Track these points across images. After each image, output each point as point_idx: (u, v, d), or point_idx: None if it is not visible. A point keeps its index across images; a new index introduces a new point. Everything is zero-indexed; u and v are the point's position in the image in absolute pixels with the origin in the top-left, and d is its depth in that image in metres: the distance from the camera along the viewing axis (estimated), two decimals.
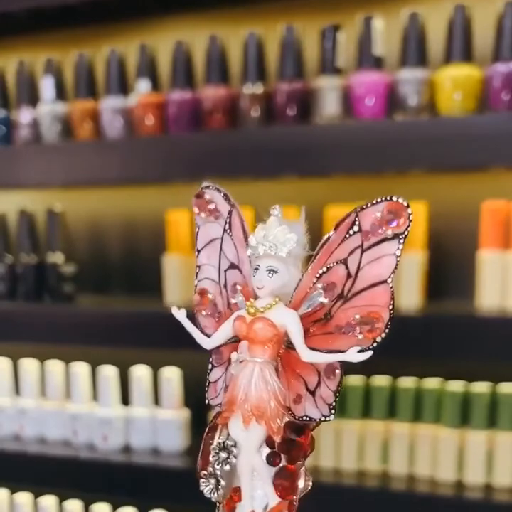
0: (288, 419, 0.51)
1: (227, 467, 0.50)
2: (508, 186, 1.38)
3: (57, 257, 1.61)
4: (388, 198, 0.49)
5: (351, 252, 0.50)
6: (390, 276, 0.49)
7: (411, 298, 1.34)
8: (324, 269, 0.50)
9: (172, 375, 1.51)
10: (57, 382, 1.62)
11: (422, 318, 1.32)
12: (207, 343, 0.54)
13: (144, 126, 1.49)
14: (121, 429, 1.56)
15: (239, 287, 0.54)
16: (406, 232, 0.49)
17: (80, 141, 1.56)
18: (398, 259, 0.49)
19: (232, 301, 0.55)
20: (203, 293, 0.56)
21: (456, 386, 1.31)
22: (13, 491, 1.66)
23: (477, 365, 1.36)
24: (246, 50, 1.41)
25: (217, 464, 0.51)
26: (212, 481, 0.51)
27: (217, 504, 0.53)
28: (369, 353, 0.50)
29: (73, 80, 1.57)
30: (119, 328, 1.52)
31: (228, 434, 0.51)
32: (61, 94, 1.57)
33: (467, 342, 1.29)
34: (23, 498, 1.63)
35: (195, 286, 0.57)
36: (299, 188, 1.54)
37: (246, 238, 0.54)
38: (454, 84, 1.28)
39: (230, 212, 0.55)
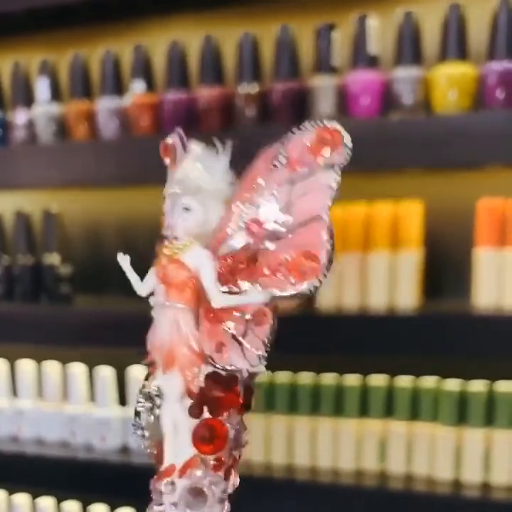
0: (211, 370, 0.46)
1: (151, 418, 0.48)
2: (503, 184, 1.38)
3: (53, 258, 1.61)
4: (319, 124, 0.44)
5: (279, 186, 0.44)
6: (325, 211, 0.44)
7: (407, 296, 1.34)
8: (248, 205, 0.45)
9: None
10: (54, 383, 1.62)
11: (419, 317, 1.32)
12: (141, 290, 0.51)
13: (140, 127, 1.49)
14: (119, 429, 1.56)
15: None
16: (342, 161, 0.44)
17: (75, 142, 1.56)
18: (333, 191, 0.44)
19: None
20: None
21: (454, 385, 1.31)
22: (11, 492, 1.66)
23: (474, 363, 1.36)
24: (241, 49, 1.40)
25: (143, 414, 0.48)
26: (139, 432, 0.49)
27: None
28: (266, 294, 0.44)
29: (68, 80, 1.56)
30: (116, 329, 1.52)
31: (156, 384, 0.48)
32: (56, 94, 1.57)
33: (464, 340, 1.29)
34: (21, 499, 1.63)
35: None
36: None
37: None
38: (449, 83, 1.28)
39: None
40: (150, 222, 1.61)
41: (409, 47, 1.31)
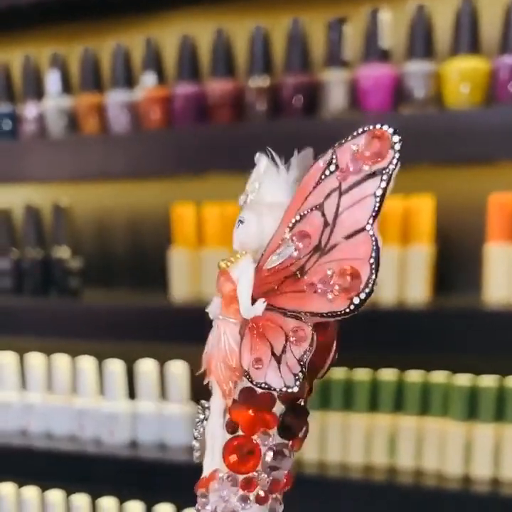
0: (247, 385, 0.44)
1: (202, 429, 0.47)
2: None
3: (63, 252, 1.61)
4: (370, 127, 0.40)
5: (328, 196, 0.41)
6: (368, 222, 0.40)
7: (418, 291, 1.34)
8: (297, 217, 0.42)
9: (178, 369, 1.51)
10: (63, 376, 1.62)
11: (430, 312, 1.32)
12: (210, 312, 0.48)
13: (150, 120, 1.49)
14: (127, 423, 1.56)
15: None
16: (390, 167, 0.40)
17: (85, 136, 1.56)
18: (378, 199, 0.40)
19: None
20: None
21: (464, 379, 1.31)
22: (20, 486, 1.66)
23: (485, 358, 1.35)
24: (252, 43, 1.40)
25: (197, 425, 0.47)
26: (193, 442, 0.48)
27: None
28: (262, 306, 0.42)
29: (79, 73, 1.56)
30: (125, 323, 1.52)
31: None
32: (67, 88, 1.57)
33: (475, 335, 1.28)
34: (30, 492, 1.63)
35: None
36: None
37: None
38: (461, 77, 1.28)
39: None
40: (160, 216, 1.62)
41: (421, 41, 1.30)
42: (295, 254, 0.41)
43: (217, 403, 0.45)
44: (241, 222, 0.44)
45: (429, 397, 1.34)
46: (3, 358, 1.67)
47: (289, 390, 0.42)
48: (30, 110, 1.59)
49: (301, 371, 0.42)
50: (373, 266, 0.40)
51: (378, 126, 0.39)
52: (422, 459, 1.36)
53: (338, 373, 1.39)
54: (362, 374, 1.38)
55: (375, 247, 0.39)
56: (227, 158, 1.41)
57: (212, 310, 0.45)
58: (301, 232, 0.41)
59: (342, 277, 0.40)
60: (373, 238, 0.40)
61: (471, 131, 1.25)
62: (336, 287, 0.40)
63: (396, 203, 1.34)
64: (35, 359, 1.64)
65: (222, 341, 0.44)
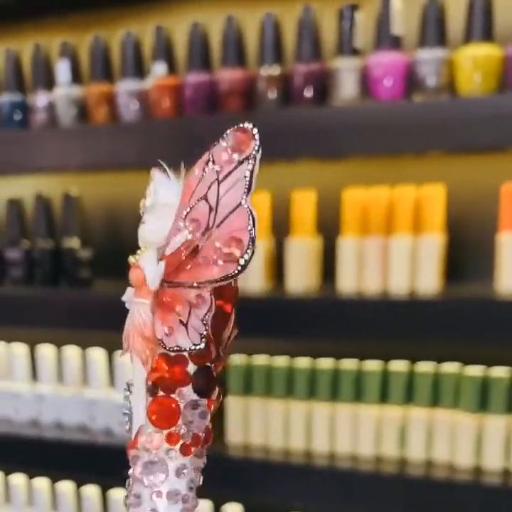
0: (161, 351, 0.51)
1: (128, 404, 0.53)
2: None
3: (73, 242, 1.61)
4: (234, 127, 0.49)
5: (209, 187, 0.50)
6: (243, 198, 0.49)
7: (429, 281, 1.33)
8: (187, 209, 0.50)
9: None
10: (74, 367, 1.62)
11: (441, 302, 1.31)
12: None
13: (160, 109, 1.48)
14: None
15: None
16: (253, 153, 0.48)
17: (95, 125, 1.55)
18: (248, 180, 0.48)
19: None
20: None
21: (475, 370, 1.30)
22: (31, 477, 1.66)
23: (496, 348, 1.34)
24: (263, 31, 1.39)
25: (125, 401, 0.53)
26: (126, 419, 0.53)
27: None
28: (162, 265, 0.50)
29: (89, 63, 1.56)
30: None
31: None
32: (77, 77, 1.57)
33: (486, 326, 1.27)
34: (41, 483, 1.64)
35: None
36: (316, 170, 1.53)
37: None
38: (474, 64, 1.26)
39: None
40: None
41: (433, 28, 1.29)
42: (189, 237, 0.50)
43: (138, 374, 0.51)
44: (143, 223, 0.52)
45: (440, 388, 1.33)
46: (14, 349, 1.67)
47: (197, 347, 0.50)
48: (40, 100, 1.58)
49: (206, 329, 0.50)
50: (252, 231, 0.48)
51: (241, 125, 0.48)
52: (432, 451, 1.35)
53: (349, 364, 1.38)
54: (372, 365, 1.37)
55: (251, 216, 0.48)
56: None
57: (127, 298, 0.53)
58: (191, 219, 0.50)
59: (228, 246, 0.49)
60: (248, 210, 0.48)
61: (483, 119, 1.24)
62: (224, 254, 0.49)
63: (408, 192, 1.33)
64: (46, 350, 1.64)
65: (136, 318, 0.51)
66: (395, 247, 1.33)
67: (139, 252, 0.52)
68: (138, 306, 0.51)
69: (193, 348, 0.50)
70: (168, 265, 0.51)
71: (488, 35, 1.27)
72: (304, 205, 1.41)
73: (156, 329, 0.51)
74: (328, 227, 1.43)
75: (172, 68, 1.48)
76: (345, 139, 1.33)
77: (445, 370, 1.32)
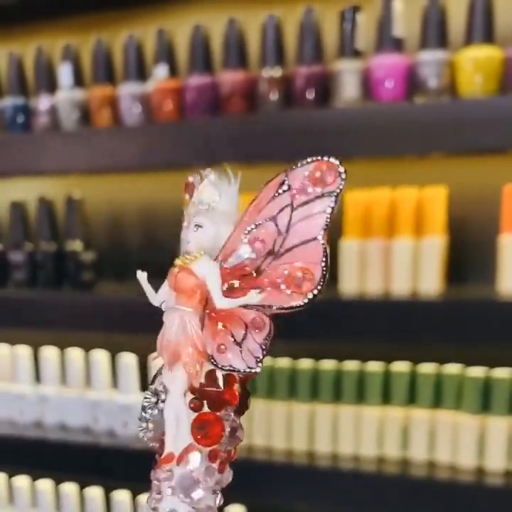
0: (212, 368, 0.51)
1: (155, 411, 0.52)
2: None
3: (76, 245, 1.61)
4: (318, 158, 0.49)
5: (281, 210, 0.50)
6: (320, 234, 0.50)
7: (431, 283, 1.33)
8: (253, 225, 0.50)
9: None
10: (77, 369, 1.62)
11: (443, 303, 1.31)
12: (155, 299, 0.54)
13: (162, 112, 1.49)
14: None
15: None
16: (337, 191, 0.49)
17: (98, 128, 1.56)
18: (328, 216, 0.49)
19: None
20: None
21: (477, 372, 1.30)
22: (34, 478, 1.67)
23: (498, 350, 1.34)
24: (264, 33, 1.39)
25: (149, 409, 0.52)
26: (144, 424, 0.52)
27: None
28: (264, 294, 0.50)
29: (91, 66, 1.56)
30: (138, 316, 1.51)
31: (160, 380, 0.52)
32: (79, 80, 1.57)
33: (488, 327, 1.27)
34: (45, 485, 1.64)
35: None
36: None
37: None
38: (475, 66, 1.27)
39: None
40: (172, 209, 1.61)
41: (434, 29, 1.29)
42: (253, 256, 0.50)
43: (178, 385, 0.51)
44: (200, 226, 0.51)
45: (442, 390, 1.33)
46: (18, 351, 1.67)
47: (253, 371, 0.50)
48: (42, 103, 1.59)
49: (263, 354, 0.50)
50: (324, 268, 0.49)
51: (325, 158, 0.49)
52: (435, 452, 1.35)
53: (351, 365, 1.38)
54: (374, 366, 1.37)
55: (324, 253, 0.49)
56: (239, 149, 1.41)
57: (163, 300, 0.53)
58: (257, 238, 0.50)
59: (298, 277, 0.49)
60: (324, 246, 0.49)
61: (485, 121, 1.24)
62: (293, 285, 0.49)
63: (409, 194, 1.33)
64: (50, 352, 1.64)
65: (188, 328, 0.50)
66: (397, 249, 1.34)
67: (187, 256, 0.52)
68: (185, 315, 0.50)
69: (247, 370, 0.50)
70: (224, 279, 0.51)
71: (488, 36, 1.27)
72: None
73: (206, 343, 0.50)
74: (330, 229, 1.43)
75: (174, 71, 1.49)
76: (346, 140, 1.33)
77: (447, 371, 1.33)
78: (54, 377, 1.65)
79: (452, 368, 1.33)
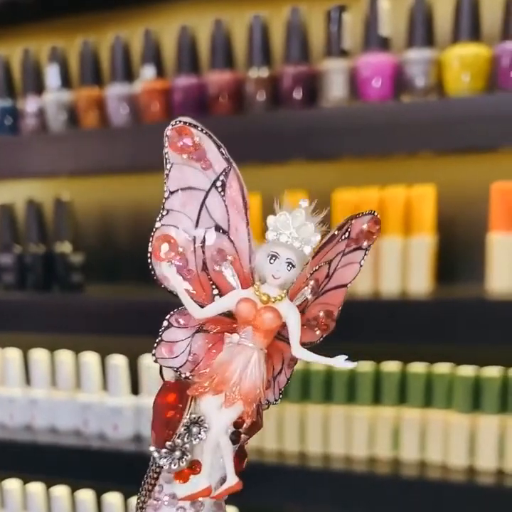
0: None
1: (196, 441, 0.51)
2: None
3: (65, 247, 1.61)
4: (372, 212, 0.51)
5: (336, 255, 0.52)
6: (350, 282, 0.53)
7: (420, 282, 1.33)
8: (317, 267, 0.51)
9: None
10: (67, 372, 1.62)
11: (432, 303, 1.31)
12: (198, 313, 0.52)
13: (150, 113, 1.48)
14: (131, 418, 1.55)
15: (230, 258, 0.52)
16: (370, 247, 0.52)
17: (86, 130, 1.55)
18: (361, 267, 0.53)
19: (216, 267, 0.52)
20: (168, 241, 0.54)
21: (467, 371, 1.30)
22: (25, 482, 1.66)
23: (488, 349, 1.34)
24: (251, 33, 1.39)
25: (187, 438, 0.51)
26: (177, 453, 0.51)
27: (166, 472, 0.53)
28: (354, 364, 0.51)
29: (78, 67, 1.56)
30: (128, 317, 1.52)
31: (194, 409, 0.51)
32: (66, 82, 1.57)
33: (478, 326, 1.27)
34: (36, 488, 1.63)
35: (156, 229, 0.54)
36: (306, 172, 1.52)
37: (245, 207, 0.52)
38: (462, 64, 1.26)
39: (226, 171, 0.53)
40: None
41: (421, 28, 1.29)
42: (309, 297, 0.52)
43: (226, 420, 0.50)
44: (293, 266, 0.49)
45: (433, 389, 1.33)
46: (7, 354, 1.66)
47: (276, 403, 0.53)
48: (30, 105, 1.58)
49: (285, 387, 0.53)
50: (339, 312, 0.53)
51: (376, 213, 0.51)
52: (426, 451, 1.35)
53: None
54: (365, 366, 1.37)
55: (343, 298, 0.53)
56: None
57: (248, 341, 0.51)
58: (315, 278, 0.52)
59: (328, 318, 0.53)
60: (346, 293, 0.53)
61: (472, 119, 1.24)
62: (323, 325, 0.53)
63: (398, 192, 1.33)
64: (39, 354, 1.64)
65: (261, 369, 0.50)
66: (385, 248, 1.33)
67: (271, 295, 0.50)
68: (259, 355, 0.50)
69: (275, 403, 0.53)
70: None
71: (475, 35, 1.27)
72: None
73: None
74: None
75: (161, 72, 1.48)
76: (334, 140, 1.33)
77: (437, 370, 1.32)
78: (44, 380, 1.64)
79: (442, 368, 1.32)
